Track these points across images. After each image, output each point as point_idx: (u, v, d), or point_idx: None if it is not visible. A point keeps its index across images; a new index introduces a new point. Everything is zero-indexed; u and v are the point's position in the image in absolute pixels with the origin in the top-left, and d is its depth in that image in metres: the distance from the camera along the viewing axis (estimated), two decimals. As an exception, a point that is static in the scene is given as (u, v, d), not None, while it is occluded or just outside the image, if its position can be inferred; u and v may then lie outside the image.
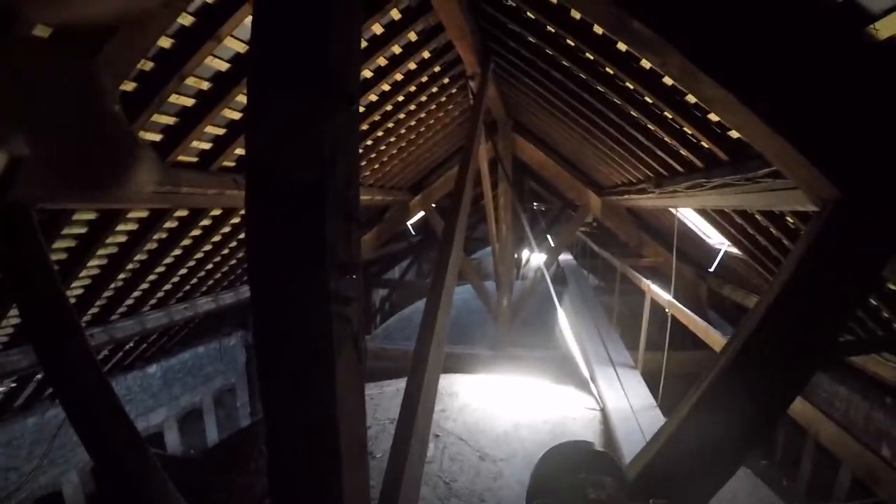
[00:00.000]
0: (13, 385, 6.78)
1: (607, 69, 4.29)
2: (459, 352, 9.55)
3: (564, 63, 4.78)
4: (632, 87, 4.26)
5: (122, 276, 6.05)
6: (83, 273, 5.41)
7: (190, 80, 4.02)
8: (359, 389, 1.67)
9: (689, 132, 4.26)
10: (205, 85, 4.25)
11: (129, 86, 3.68)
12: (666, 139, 4.77)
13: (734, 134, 3.74)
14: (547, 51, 4.83)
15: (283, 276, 1.49)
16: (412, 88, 6.81)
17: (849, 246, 1.81)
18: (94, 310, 6.31)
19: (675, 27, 1.71)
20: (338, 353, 1.48)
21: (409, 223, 15.45)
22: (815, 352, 1.86)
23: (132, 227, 5.36)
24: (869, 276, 1.84)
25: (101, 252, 5.31)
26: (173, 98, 4.08)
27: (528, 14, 4.50)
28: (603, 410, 6.20)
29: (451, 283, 3.63)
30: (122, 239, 5.46)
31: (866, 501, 5.36)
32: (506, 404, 6.68)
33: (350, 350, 1.56)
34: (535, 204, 20.88)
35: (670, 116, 4.27)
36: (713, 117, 3.73)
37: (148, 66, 3.63)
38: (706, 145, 4.16)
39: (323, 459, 1.54)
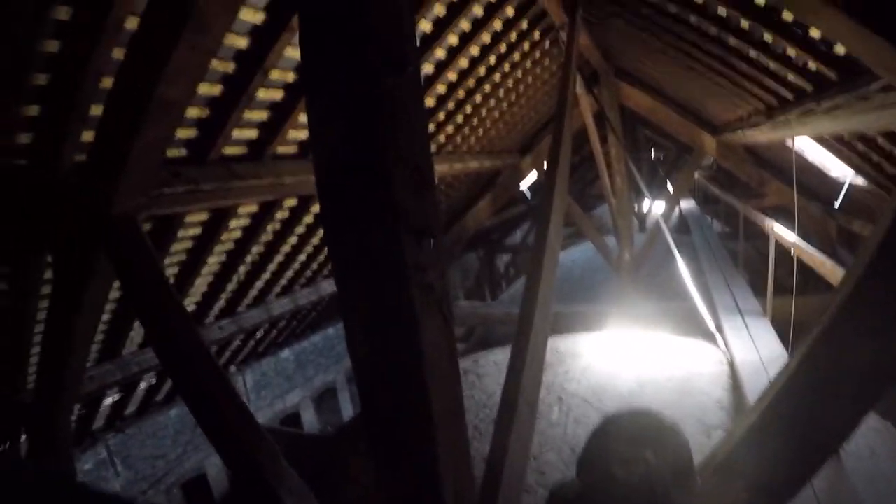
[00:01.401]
0: (153, 381, 7.31)
1: (697, -1, 4.01)
2: (582, 310, 9.34)
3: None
4: (725, 13, 3.95)
5: (243, 268, 6.36)
6: (205, 270, 5.71)
7: (274, 74, 4.08)
8: (450, 353, 1.63)
9: (793, 54, 3.89)
10: (290, 76, 4.32)
11: (215, 89, 3.82)
12: (770, 65, 4.38)
13: (840, 50, 3.36)
14: (633, -12, 4.58)
15: (358, 246, 1.48)
16: (502, 49, 6.64)
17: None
18: (221, 304, 6.68)
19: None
20: (421, 318, 1.46)
21: (523, 185, 15.18)
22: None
23: (245, 222, 5.58)
24: None
25: (219, 249, 5.57)
26: (262, 93, 4.18)
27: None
28: (731, 363, 5.90)
29: (555, 241, 3.55)
30: (238, 235, 5.70)
31: None
32: (630, 362, 6.47)
33: (436, 316, 1.53)
34: (651, 151, 20.11)
35: (770, 40, 3.93)
36: (815, 34, 3.39)
37: (230, 67, 3.74)
38: (813, 66, 3.78)
39: (416, 425, 1.54)
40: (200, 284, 5.96)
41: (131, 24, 2.80)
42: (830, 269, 4.64)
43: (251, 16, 3.50)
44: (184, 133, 3.91)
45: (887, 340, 1.54)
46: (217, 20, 2.64)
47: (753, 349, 5.82)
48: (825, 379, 1.63)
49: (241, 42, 3.64)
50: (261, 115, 4.46)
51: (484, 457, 2.38)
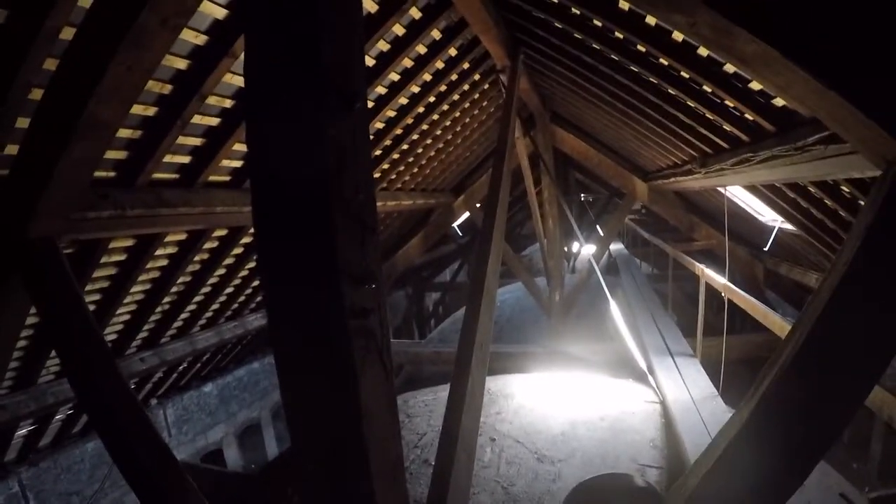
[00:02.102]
0: (70, 412, 6.93)
1: (639, 47, 4.09)
2: (513, 351, 9.37)
3: (595, 46, 4.58)
4: (666, 63, 4.05)
5: (168, 299, 6.11)
6: (128, 299, 5.45)
7: (212, 100, 3.99)
8: (389, 405, 1.56)
9: (731, 105, 4.01)
10: (227, 103, 4.22)
11: (150, 110, 3.68)
12: (707, 115, 4.51)
13: (779, 102, 3.49)
14: (575, 35, 4.64)
15: (294, 291, 1.39)
16: (443, 88, 6.71)
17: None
18: (144, 334, 6.38)
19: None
20: (360, 369, 1.37)
21: (455, 225, 15.30)
22: (893, 339, 1.57)
23: (172, 250, 5.37)
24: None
25: (143, 277, 5.34)
26: (197, 119, 4.07)
27: (551, -2, 4.34)
28: (662, 403, 6.00)
29: (493, 284, 3.52)
30: (164, 263, 5.48)
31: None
32: (562, 402, 6.51)
33: (375, 364, 1.46)
34: (582, 195, 20.62)
35: (710, 90, 4.04)
36: (755, 86, 3.50)
37: (166, 88, 3.62)
38: (750, 117, 3.91)
39: (354, 481, 1.44)
40: (122, 313, 5.68)
41: (67, 34, 2.66)
42: (760, 311, 4.79)
43: (193, 37, 3.39)
44: (113, 154, 3.75)
45: (840, 388, 1.59)
46: (157, 39, 2.53)
47: (684, 388, 5.95)
48: (777, 426, 1.65)
49: (181, 63, 3.53)
50: (195, 141, 4.34)
51: (416, 499, 2.30)
